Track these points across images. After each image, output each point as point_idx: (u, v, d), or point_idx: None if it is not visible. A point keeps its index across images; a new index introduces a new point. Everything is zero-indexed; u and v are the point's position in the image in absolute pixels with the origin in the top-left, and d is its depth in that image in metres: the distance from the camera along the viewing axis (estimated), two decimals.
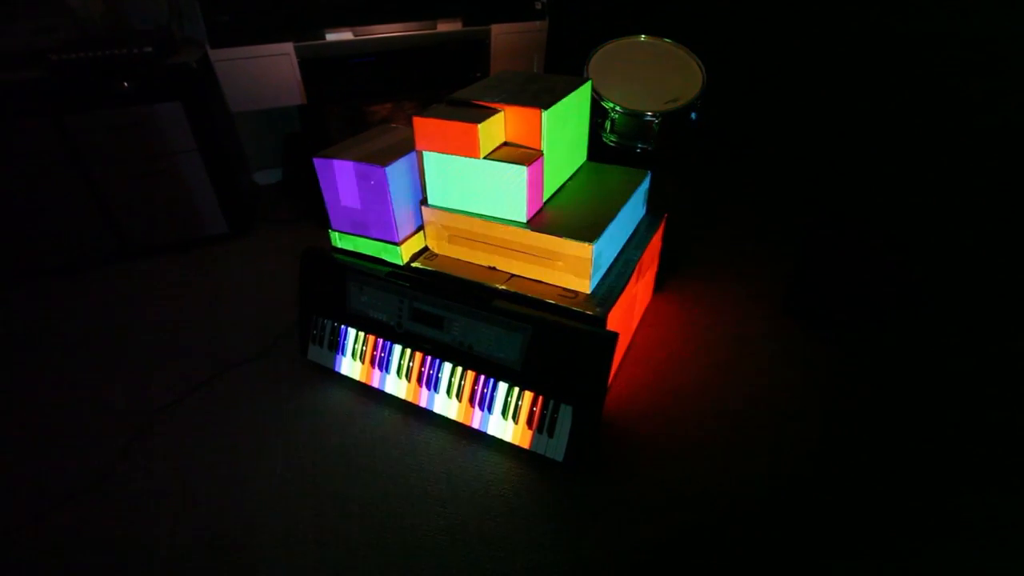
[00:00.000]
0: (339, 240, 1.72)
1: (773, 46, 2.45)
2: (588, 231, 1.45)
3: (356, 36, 2.28)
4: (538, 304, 1.48)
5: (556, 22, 2.49)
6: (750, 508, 1.36)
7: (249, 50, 2.15)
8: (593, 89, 1.83)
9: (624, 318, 1.67)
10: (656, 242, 1.88)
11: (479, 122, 1.43)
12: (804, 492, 1.39)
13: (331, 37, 2.24)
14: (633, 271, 1.61)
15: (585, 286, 1.50)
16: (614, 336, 1.37)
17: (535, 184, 1.50)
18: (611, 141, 1.86)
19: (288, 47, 2.20)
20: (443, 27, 2.35)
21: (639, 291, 1.81)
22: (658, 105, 1.77)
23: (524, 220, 1.50)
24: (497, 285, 1.54)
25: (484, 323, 1.50)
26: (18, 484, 1.47)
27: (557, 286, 1.53)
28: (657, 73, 1.83)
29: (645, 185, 1.79)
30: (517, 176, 1.45)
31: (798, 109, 2.50)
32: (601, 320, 1.42)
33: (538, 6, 2.37)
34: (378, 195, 1.56)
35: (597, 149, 1.97)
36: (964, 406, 1.61)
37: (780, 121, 2.61)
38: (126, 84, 2.09)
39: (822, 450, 1.50)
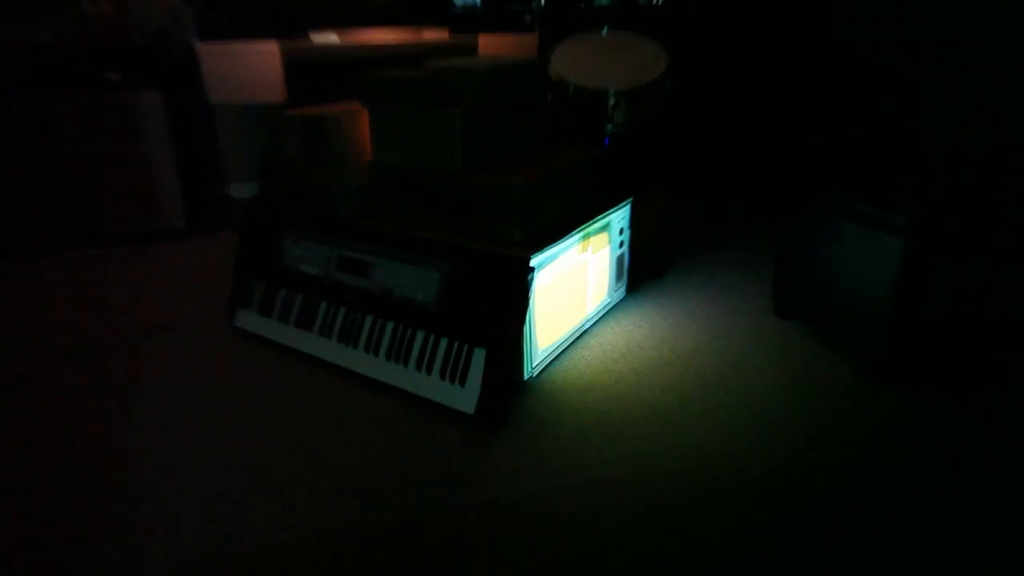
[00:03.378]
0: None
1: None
2: (518, 180, 1.79)
3: (341, 40, 2.86)
4: (461, 247, 1.79)
5: (546, 35, 3.03)
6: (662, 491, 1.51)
7: (235, 46, 2.74)
8: (557, 75, 2.27)
9: (565, 290, 1.94)
10: (615, 225, 2.19)
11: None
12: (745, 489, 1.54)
13: (316, 39, 2.83)
14: (572, 233, 1.91)
15: (513, 233, 1.80)
16: (528, 264, 1.65)
17: (473, 135, 1.87)
18: (573, 119, 2.29)
19: (273, 46, 2.79)
20: (429, 36, 2.92)
21: (593, 273, 2.08)
22: (617, 84, 2.19)
23: (460, 168, 1.86)
24: (429, 234, 1.87)
25: (404, 264, 1.82)
26: None
27: (488, 236, 1.84)
28: (620, 58, 2.28)
29: (598, 160, 2.15)
30: (451, 123, 1.82)
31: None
32: (523, 259, 1.69)
33: (527, 19, 2.93)
34: (324, 147, 1.97)
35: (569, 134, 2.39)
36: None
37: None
38: (113, 75, 2.70)
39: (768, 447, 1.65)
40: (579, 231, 1.96)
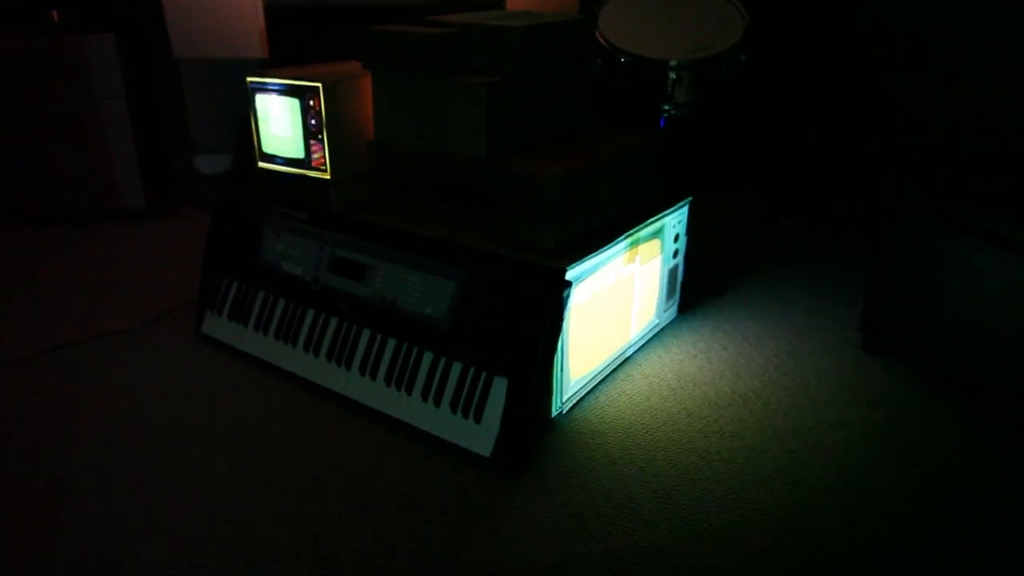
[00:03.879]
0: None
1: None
2: (553, 171, 1.76)
3: None
4: (482, 251, 1.77)
5: None
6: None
7: None
8: (606, 40, 2.26)
9: (606, 309, 1.92)
10: (668, 229, 2.17)
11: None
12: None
13: None
14: (619, 240, 1.89)
15: (545, 237, 1.78)
16: (563, 277, 1.64)
17: (502, 112, 1.86)
18: (623, 93, 2.28)
19: None
20: None
21: (640, 289, 2.07)
22: (682, 53, 2.17)
23: (483, 154, 1.84)
24: (443, 234, 1.86)
25: (412, 270, 1.80)
26: None
27: (515, 240, 1.83)
28: (685, 20, 2.26)
29: (653, 149, 2.13)
30: (474, 96, 1.81)
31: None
32: (558, 271, 1.67)
33: None
34: (312, 121, 1.96)
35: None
36: None
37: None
38: (55, 14, 2.71)
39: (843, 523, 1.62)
40: (626, 236, 1.94)
